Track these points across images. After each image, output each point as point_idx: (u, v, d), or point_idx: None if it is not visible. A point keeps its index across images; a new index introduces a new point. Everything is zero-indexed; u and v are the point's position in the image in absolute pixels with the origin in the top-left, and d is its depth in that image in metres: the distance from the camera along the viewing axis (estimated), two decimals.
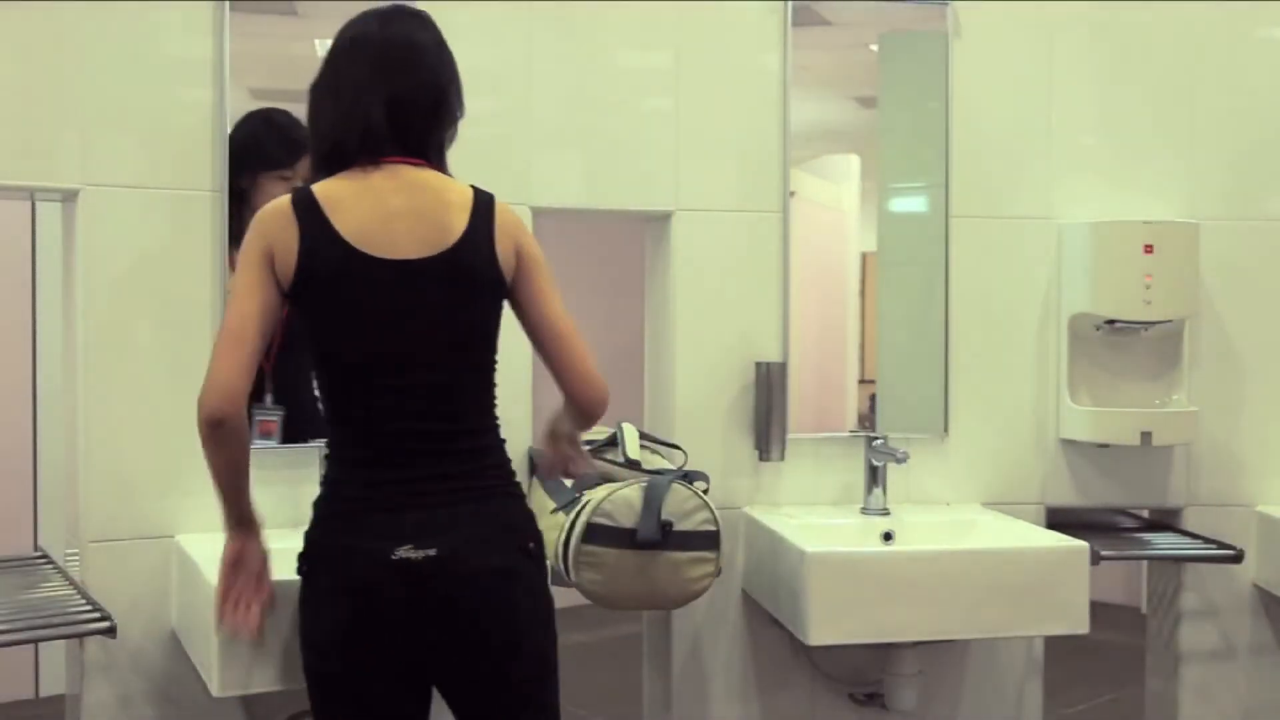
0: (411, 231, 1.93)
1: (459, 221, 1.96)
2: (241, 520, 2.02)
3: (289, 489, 2.57)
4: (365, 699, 1.92)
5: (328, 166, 1.98)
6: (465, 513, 1.93)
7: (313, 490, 2.54)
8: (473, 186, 2.02)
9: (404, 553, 1.88)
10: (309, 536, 1.97)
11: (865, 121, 3.01)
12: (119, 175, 2.47)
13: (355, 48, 1.99)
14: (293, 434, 2.60)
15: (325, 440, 2.01)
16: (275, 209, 1.95)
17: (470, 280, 1.96)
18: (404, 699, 1.96)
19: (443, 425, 1.95)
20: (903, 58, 3.01)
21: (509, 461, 2.04)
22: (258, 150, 2.55)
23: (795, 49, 2.88)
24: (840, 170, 3.00)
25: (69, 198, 2.50)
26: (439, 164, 2.03)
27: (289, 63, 2.65)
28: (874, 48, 3.00)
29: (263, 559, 2.05)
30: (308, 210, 1.92)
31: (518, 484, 2.04)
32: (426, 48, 2.01)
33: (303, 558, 1.97)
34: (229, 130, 2.53)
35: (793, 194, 2.89)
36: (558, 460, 2.19)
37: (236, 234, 2.47)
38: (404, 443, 1.93)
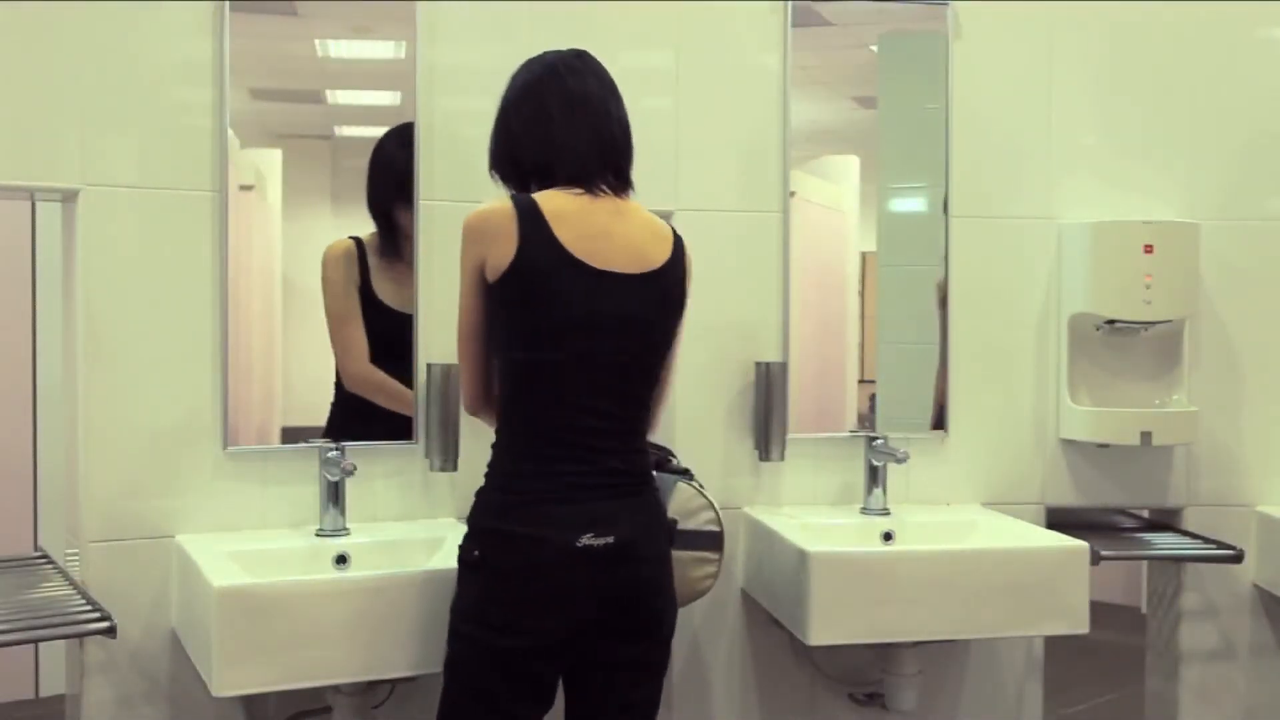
0: (624, 250, 2.10)
1: (663, 249, 2.15)
2: None
3: (289, 489, 2.58)
4: (525, 670, 2.06)
5: (543, 186, 2.11)
6: (630, 504, 2.12)
7: (312, 490, 2.56)
8: (670, 224, 2.20)
9: (587, 540, 2.04)
10: (484, 525, 2.09)
11: (865, 121, 3.01)
12: (119, 175, 2.47)
13: (573, 73, 2.16)
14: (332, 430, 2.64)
15: (496, 432, 2.14)
16: (493, 211, 2.08)
17: (667, 299, 2.16)
18: (552, 673, 2.11)
19: (619, 426, 2.12)
20: (903, 58, 3.01)
21: (650, 457, 2.21)
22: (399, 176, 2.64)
23: (795, 49, 2.88)
24: (840, 170, 3.00)
25: (69, 198, 2.50)
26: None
27: (289, 63, 2.65)
28: (874, 48, 3.00)
29: None
30: (530, 214, 2.06)
31: (654, 477, 2.22)
32: (615, 85, 2.20)
33: (477, 543, 2.08)
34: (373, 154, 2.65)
35: (793, 194, 2.89)
36: None
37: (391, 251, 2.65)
38: (583, 438, 2.08)
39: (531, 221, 2.05)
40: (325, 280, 2.62)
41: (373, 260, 2.65)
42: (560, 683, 2.16)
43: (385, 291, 2.65)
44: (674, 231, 2.20)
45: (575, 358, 2.07)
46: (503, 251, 2.04)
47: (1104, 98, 3.03)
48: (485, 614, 2.07)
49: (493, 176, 2.22)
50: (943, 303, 2.98)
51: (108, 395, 2.46)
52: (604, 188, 2.12)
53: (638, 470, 2.15)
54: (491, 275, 2.06)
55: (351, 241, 2.64)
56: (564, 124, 2.12)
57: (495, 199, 2.12)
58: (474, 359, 2.15)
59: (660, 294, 2.14)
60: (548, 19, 2.73)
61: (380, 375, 2.66)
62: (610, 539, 2.05)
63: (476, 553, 2.08)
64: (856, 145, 3.00)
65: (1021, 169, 3.00)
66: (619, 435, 2.12)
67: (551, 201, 2.08)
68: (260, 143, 2.60)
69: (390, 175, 2.64)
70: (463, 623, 2.10)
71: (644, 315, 2.12)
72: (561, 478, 2.07)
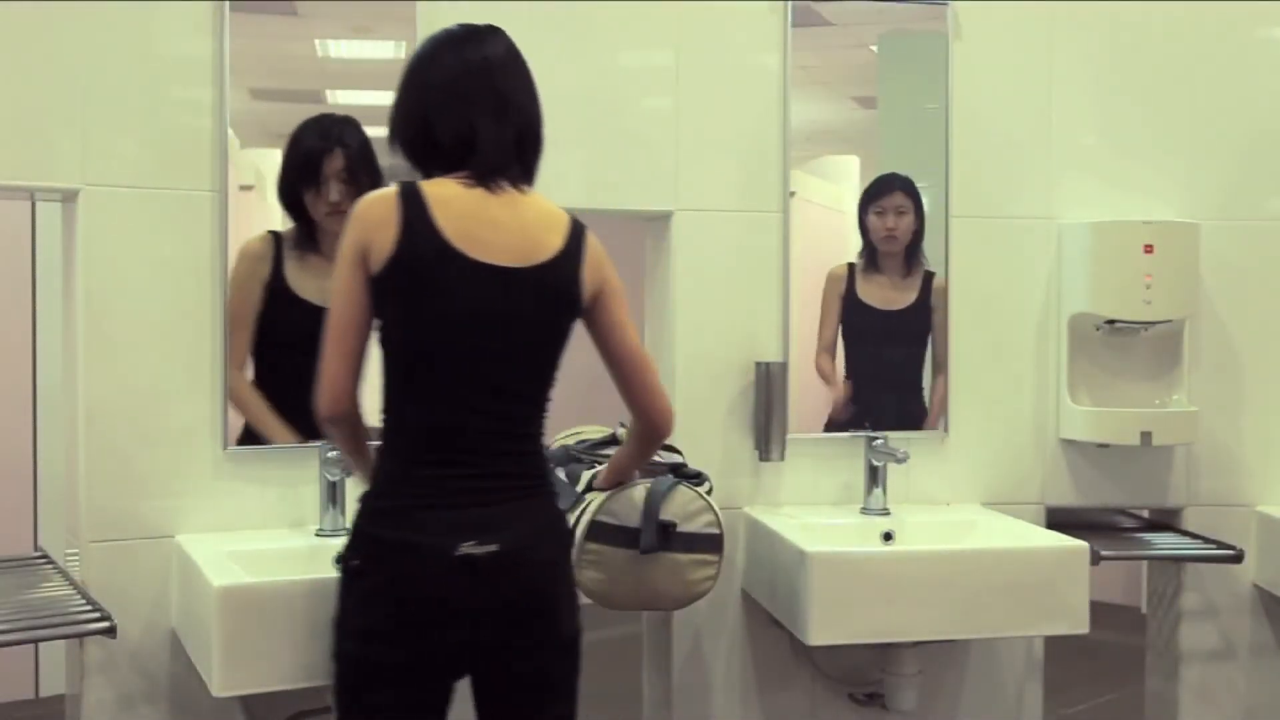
0: (509, 242, 1.99)
1: (554, 241, 2.04)
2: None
3: (289, 489, 2.58)
4: (408, 687, 1.96)
5: (438, 168, 2.03)
6: (519, 509, 2.00)
7: (312, 490, 2.55)
8: (569, 213, 2.09)
9: (468, 549, 1.92)
10: (363, 530, 1.99)
11: (865, 121, 3.01)
12: (119, 175, 2.47)
13: (503, 68, 2.06)
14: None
15: (380, 433, 2.03)
16: (380, 198, 1.98)
17: (555, 295, 2.03)
18: (443, 688, 2.01)
19: (509, 426, 2.01)
20: (903, 58, 3.01)
21: (546, 461, 2.10)
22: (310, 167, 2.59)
23: (795, 49, 2.88)
24: (840, 170, 3.00)
25: (69, 198, 2.50)
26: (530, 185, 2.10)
27: (289, 63, 2.65)
28: (874, 48, 3.00)
29: None
30: (412, 202, 1.96)
31: (551, 483, 2.10)
32: (529, 74, 2.10)
33: (355, 551, 1.98)
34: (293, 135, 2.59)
35: (793, 194, 2.89)
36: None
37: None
38: (467, 440, 1.98)
39: (414, 209, 1.95)
40: (230, 279, 2.55)
41: (289, 254, 2.60)
42: (474, 703, 2.06)
43: (302, 285, 2.60)
44: (574, 221, 2.08)
45: (458, 354, 1.97)
46: (385, 240, 1.94)
47: (1104, 98, 3.03)
48: (366, 627, 1.95)
49: (393, 149, 2.08)
50: (845, 295, 2.95)
51: (107, 395, 2.46)
52: (504, 184, 2.01)
53: (529, 473, 2.04)
54: (375, 266, 1.94)
55: (269, 235, 2.59)
56: (493, 123, 2.02)
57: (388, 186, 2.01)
58: (343, 353, 1.97)
59: (549, 288, 2.02)
60: (548, 19, 2.73)
61: (244, 389, 2.57)
62: (494, 546, 1.93)
63: (356, 561, 1.97)
64: (856, 145, 3.00)
65: (1021, 169, 3.00)
66: (508, 436, 2.01)
67: (440, 189, 1.98)
68: (260, 143, 2.60)
69: (301, 166, 2.57)
70: (344, 638, 1.98)
71: (528, 311, 2.00)
72: (445, 481, 1.96)
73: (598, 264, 2.09)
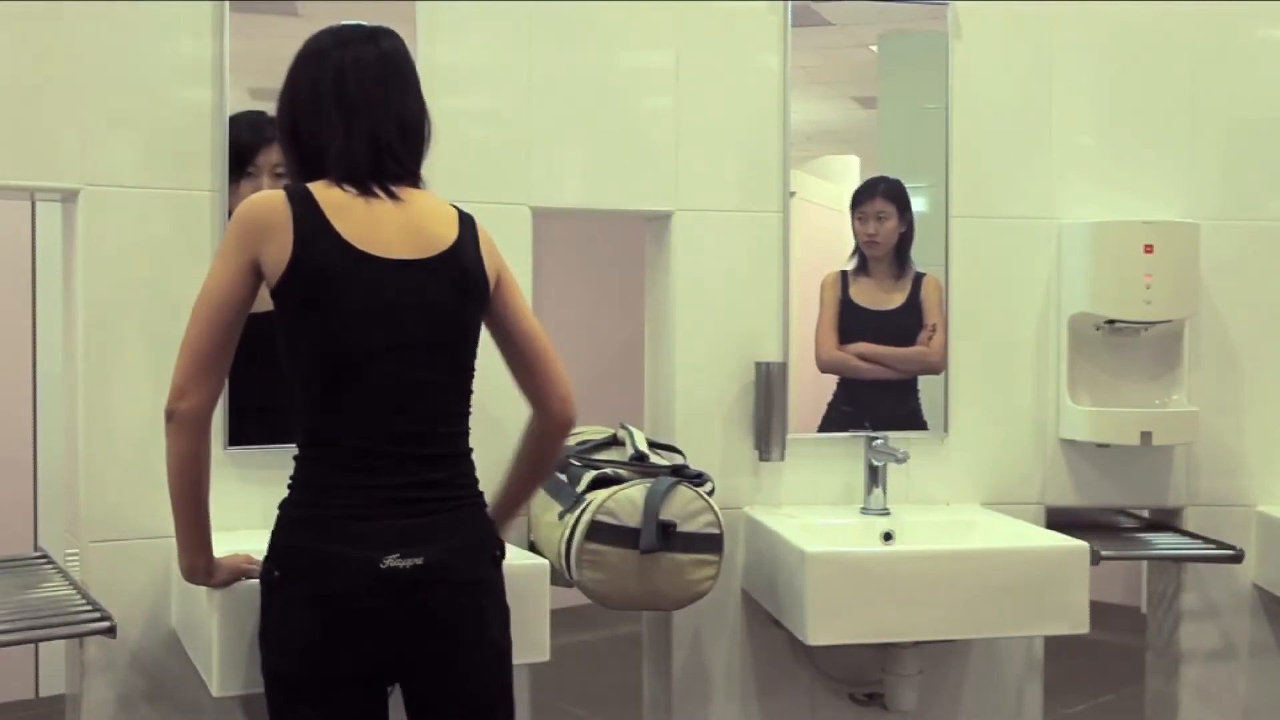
0: (405, 237, 1.96)
1: (447, 233, 2.00)
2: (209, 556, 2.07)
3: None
4: (334, 702, 1.93)
5: (318, 176, 1.98)
6: (443, 522, 1.95)
7: None
8: (453, 205, 2.06)
9: (392, 562, 1.89)
10: (283, 542, 1.95)
11: (865, 121, 3.01)
12: (119, 175, 2.47)
13: (357, 65, 1.98)
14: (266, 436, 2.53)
15: (299, 442, 1.98)
16: (267, 200, 1.95)
17: (463, 281, 1.99)
18: (370, 701, 1.97)
19: (423, 428, 1.96)
20: (903, 58, 3.01)
21: (475, 469, 2.04)
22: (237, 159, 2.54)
23: (795, 49, 2.88)
24: (840, 170, 3.00)
25: (69, 198, 2.50)
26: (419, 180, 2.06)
27: (289, 63, 2.64)
28: (874, 48, 3.01)
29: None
30: (304, 204, 1.92)
31: (482, 493, 2.05)
32: (413, 69, 2.05)
33: (275, 562, 1.94)
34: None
35: (793, 194, 2.89)
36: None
37: None
38: (385, 445, 1.93)
39: (306, 212, 1.90)
40: None
41: None
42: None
43: None
44: (461, 212, 2.04)
45: (374, 354, 1.91)
46: (279, 248, 1.89)
47: (1104, 98, 3.03)
48: (288, 640, 1.92)
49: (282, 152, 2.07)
50: (840, 299, 2.96)
51: (107, 395, 2.46)
52: (378, 190, 1.95)
53: (458, 482, 1.99)
54: (271, 277, 1.90)
55: None
56: (339, 125, 1.96)
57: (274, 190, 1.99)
58: (203, 346, 1.92)
59: (457, 275, 1.98)
60: (547, 19, 2.73)
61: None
62: (419, 560, 1.89)
63: (276, 573, 1.93)
64: (856, 145, 3.00)
65: (1021, 169, 3.00)
66: (433, 440, 1.96)
67: (324, 188, 1.94)
68: None
69: (231, 159, 2.52)
70: (268, 652, 1.95)
71: (440, 299, 1.96)
72: (369, 491, 1.91)
73: (492, 251, 2.06)
